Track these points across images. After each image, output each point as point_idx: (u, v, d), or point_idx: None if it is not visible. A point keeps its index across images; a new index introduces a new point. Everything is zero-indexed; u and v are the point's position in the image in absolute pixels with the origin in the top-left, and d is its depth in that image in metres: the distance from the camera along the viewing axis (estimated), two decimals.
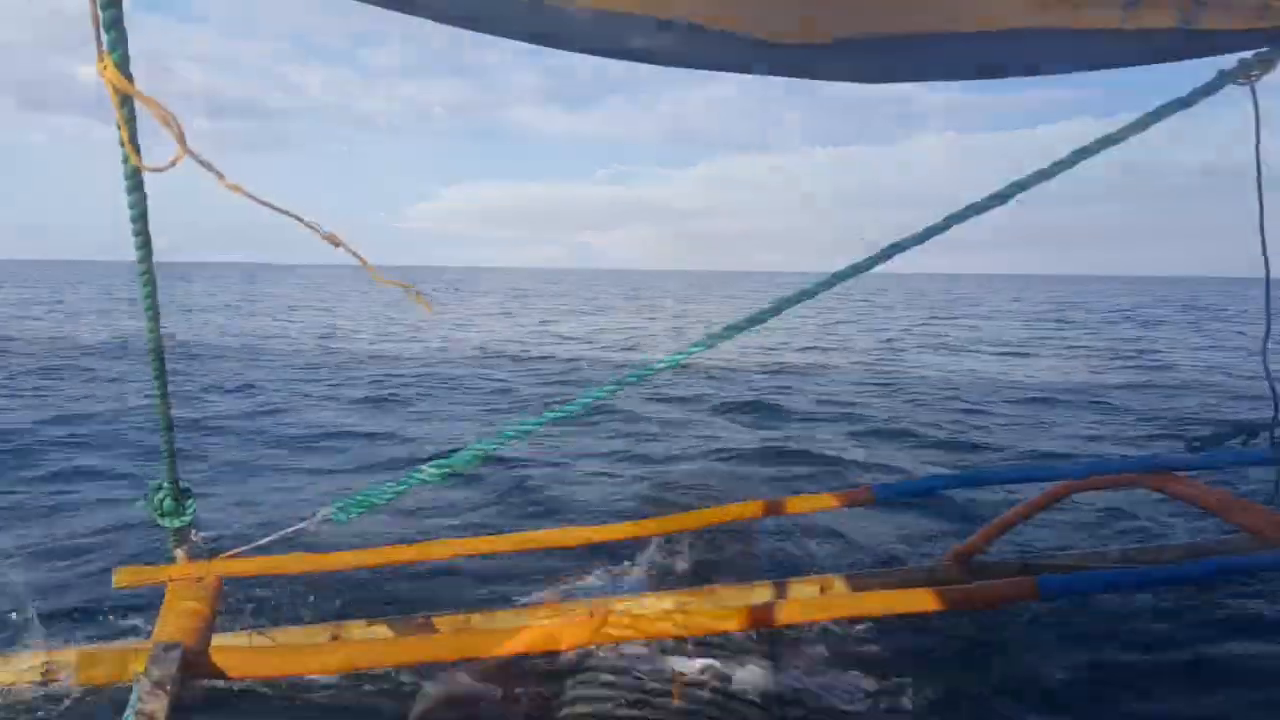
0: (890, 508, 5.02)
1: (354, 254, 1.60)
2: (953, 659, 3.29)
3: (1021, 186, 1.47)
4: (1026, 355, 16.61)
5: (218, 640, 2.82)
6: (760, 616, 2.58)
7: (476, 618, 3.22)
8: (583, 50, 1.42)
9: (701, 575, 4.02)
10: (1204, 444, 3.26)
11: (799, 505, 3.36)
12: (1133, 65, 1.43)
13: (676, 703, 2.69)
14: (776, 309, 1.93)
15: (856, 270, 1.68)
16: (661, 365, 2.24)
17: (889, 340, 19.45)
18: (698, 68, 1.42)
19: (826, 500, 3.35)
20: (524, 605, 3.49)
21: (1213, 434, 3.22)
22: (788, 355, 15.21)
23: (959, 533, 4.50)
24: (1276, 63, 1.38)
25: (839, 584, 3.69)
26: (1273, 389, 1.86)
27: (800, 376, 12.27)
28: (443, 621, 3.19)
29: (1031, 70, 1.43)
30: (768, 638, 3.33)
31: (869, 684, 3.10)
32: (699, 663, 3.13)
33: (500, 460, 6.59)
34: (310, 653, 2.47)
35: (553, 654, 3.03)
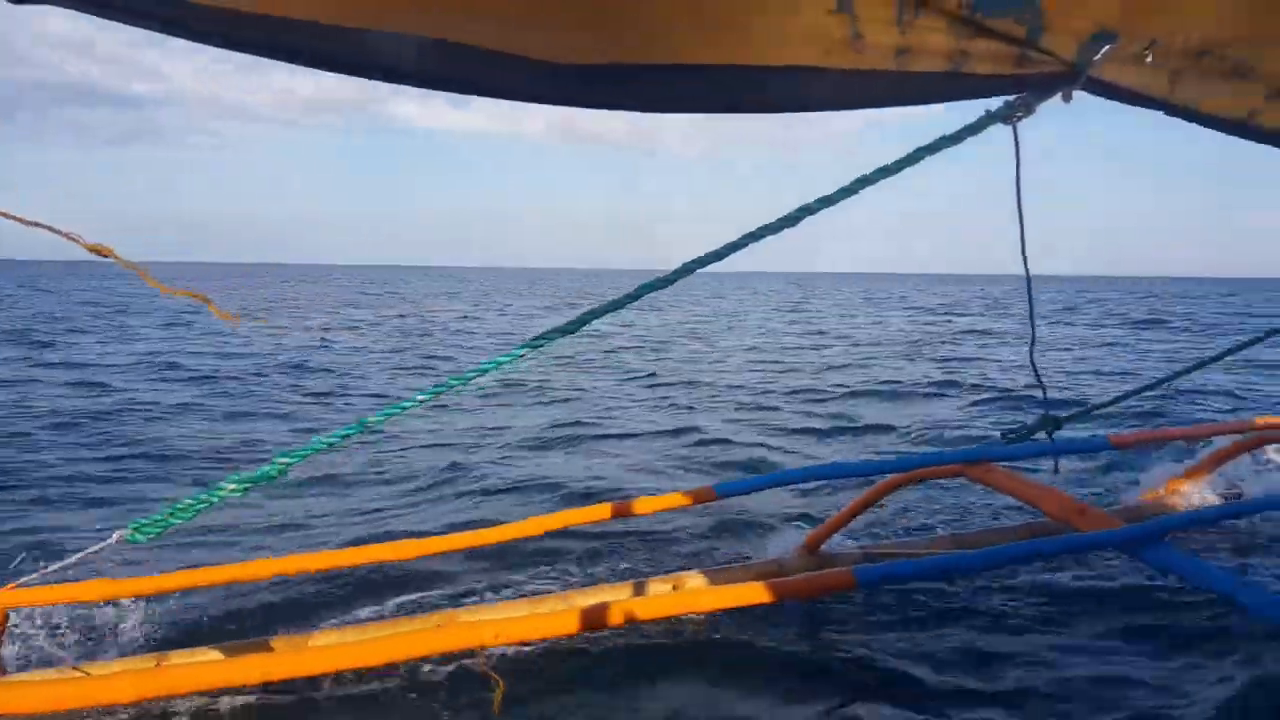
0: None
1: (131, 266, 1.54)
2: (791, 650, 3.49)
3: (809, 210, 1.57)
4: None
5: (25, 679, 2.64)
6: (595, 617, 2.66)
7: (317, 636, 3.15)
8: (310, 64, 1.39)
9: None
10: (1016, 436, 3.58)
11: (647, 506, 3.46)
12: (905, 105, 1.55)
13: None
14: (596, 312, 1.94)
15: (651, 288, 1.73)
16: (471, 375, 2.25)
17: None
18: (447, 89, 1.42)
19: (674, 499, 3.47)
20: (368, 620, 3.43)
21: (1024, 426, 3.53)
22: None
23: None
24: (1035, 107, 1.54)
25: (692, 581, 3.82)
26: (1041, 386, 2.05)
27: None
28: (281, 643, 3.09)
29: (806, 107, 1.53)
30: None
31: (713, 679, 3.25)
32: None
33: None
34: (95, 684, 2.34)
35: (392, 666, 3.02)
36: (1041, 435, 3.71)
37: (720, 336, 20.74)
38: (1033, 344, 1.99)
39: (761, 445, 7.80)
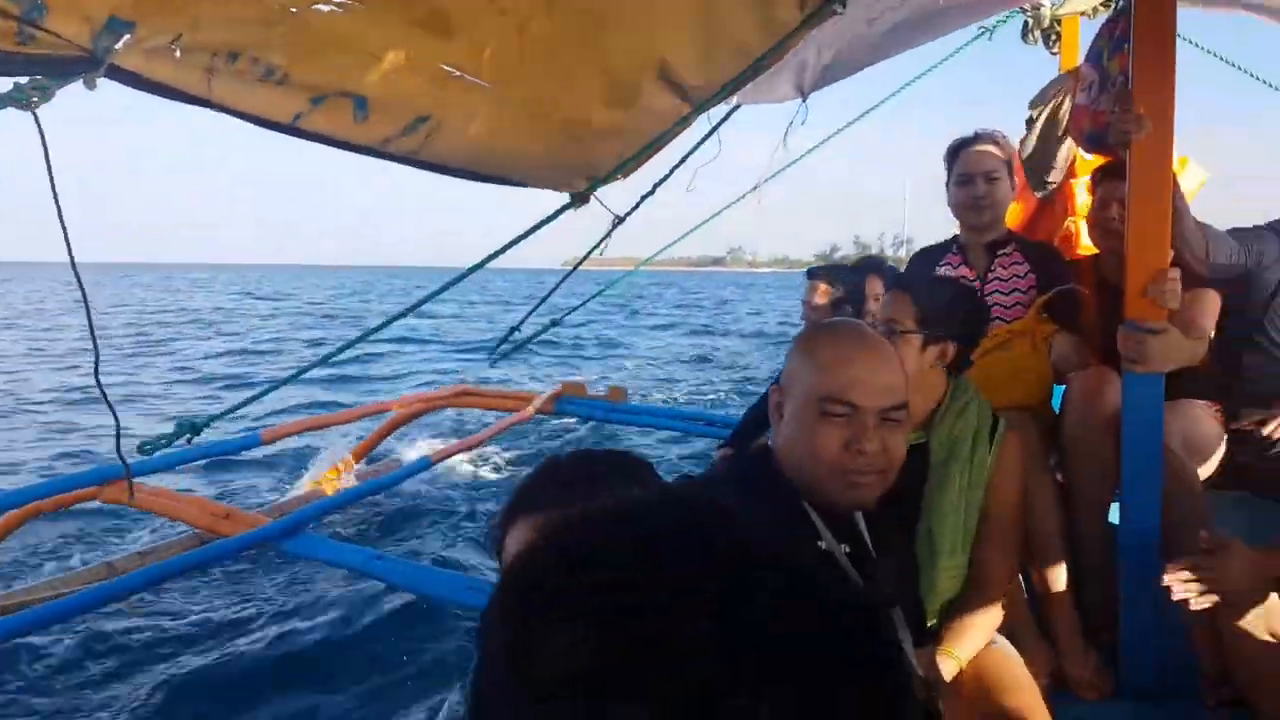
0: None
1: None
2: None
3: None
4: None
5: None
6: None
7: None
8: None
9: None
10: (154, 445, 3.45)
11: None
12: None
13: None
14: None
15: None
16: None
17: None
18: None
19: None
20: None
21: (158, 437, 3.44)
22: None
23: None
24: (54, 91, 1.46)
25: None
26: (109, 404, 2.01)
27: None
28: None
29: None
30: None
31: None
32: None
33: None
34: None
35: None
36: (184, 441, 3.68)
37: None
38: (96, 361, 1.90)
39: None
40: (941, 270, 3.13)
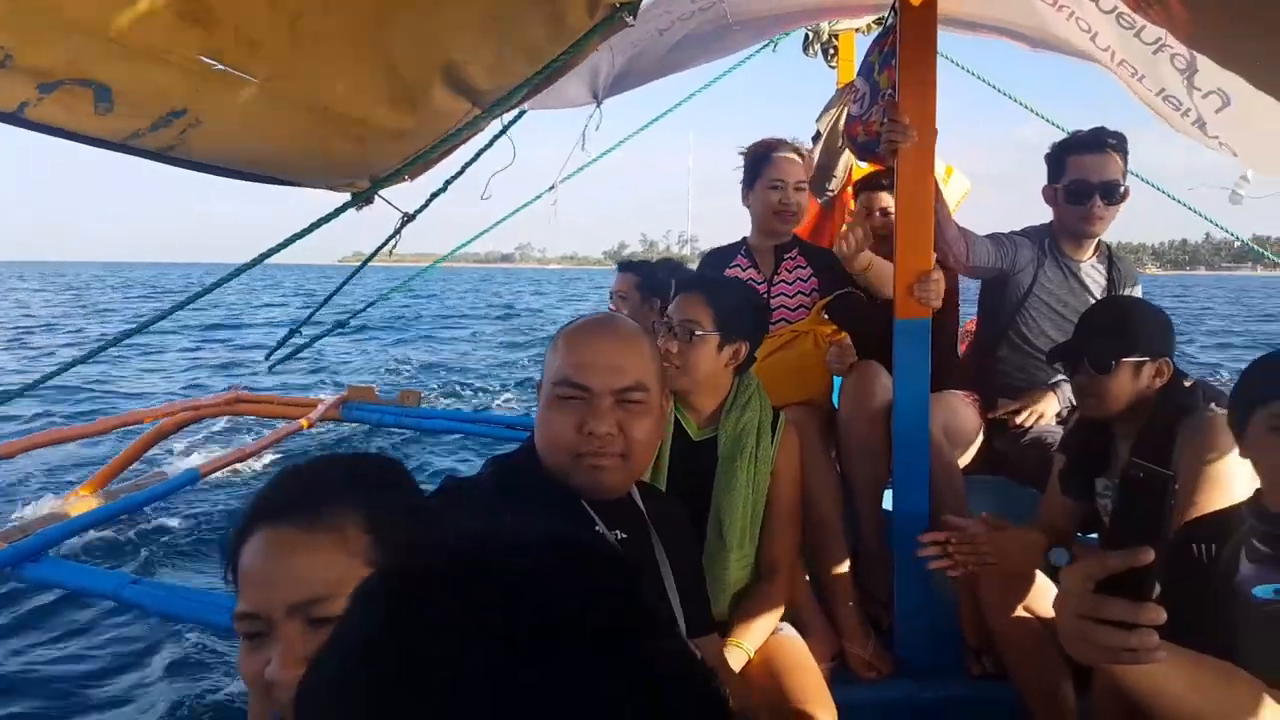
0: None
1: None
2: None
3: None
4: None
5: None
6: None
7: None
8: None
9: None
10: None
11: None
12: None
13: None
14: None
15: None
16: None
17: None
18: None
19: None
20: None
21: None
22: None
23: None
24: None
25: None
26: None
27: None
28: None
29: None
30: None
31: None
32: None
33: None
34: None
35: None
36: None
37: None
38: None
39: None
40: (730, 272, 3.23)
